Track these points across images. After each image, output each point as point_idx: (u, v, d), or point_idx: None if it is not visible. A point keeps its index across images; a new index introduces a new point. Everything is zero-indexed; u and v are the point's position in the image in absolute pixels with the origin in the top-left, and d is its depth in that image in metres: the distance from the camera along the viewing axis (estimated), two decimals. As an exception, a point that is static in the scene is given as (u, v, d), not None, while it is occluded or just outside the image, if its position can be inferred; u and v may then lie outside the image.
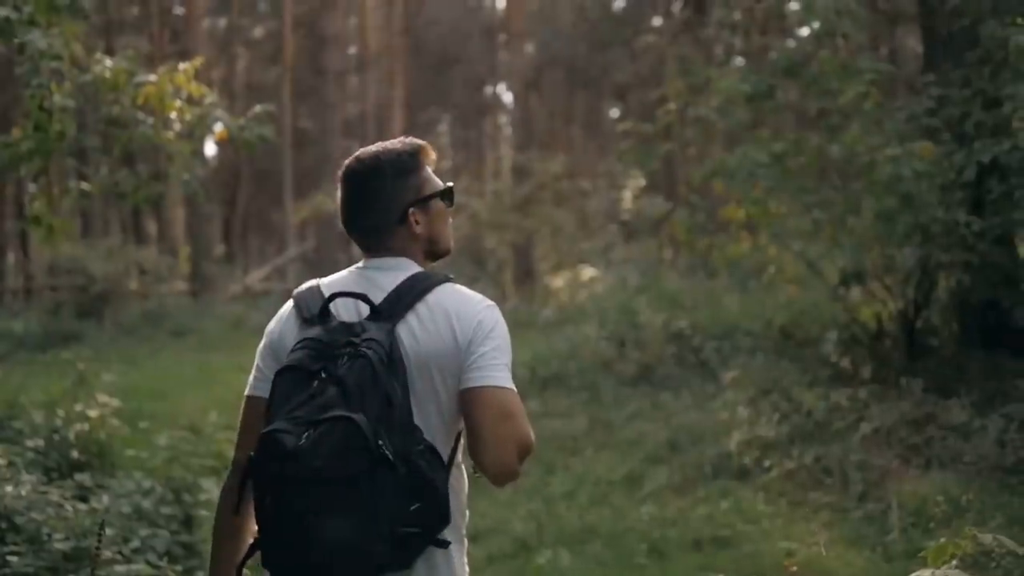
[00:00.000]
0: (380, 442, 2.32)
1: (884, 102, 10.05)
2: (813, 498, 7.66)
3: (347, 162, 2.74)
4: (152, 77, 7.68)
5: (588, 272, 17.84)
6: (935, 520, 6.38)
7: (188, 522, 6.66)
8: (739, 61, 13.60)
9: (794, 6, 10.95)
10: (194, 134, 8.28)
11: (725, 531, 7.26)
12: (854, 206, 9.85)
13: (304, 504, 2.31)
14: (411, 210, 2.68)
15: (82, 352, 13.49)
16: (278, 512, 2.36)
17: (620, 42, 30.17)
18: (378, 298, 2.56)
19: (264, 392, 2.55)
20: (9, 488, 5.60)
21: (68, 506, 5.63)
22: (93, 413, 7.98)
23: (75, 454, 7.55)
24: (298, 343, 2.50)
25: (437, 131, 49.00)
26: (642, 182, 19.40)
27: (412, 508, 2.36)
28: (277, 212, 36.95)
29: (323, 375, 2.40)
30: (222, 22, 40.00)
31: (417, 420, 2.47)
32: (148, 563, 5.47)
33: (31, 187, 8.00)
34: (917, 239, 9.36)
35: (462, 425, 2.58)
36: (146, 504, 6.45)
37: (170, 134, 8.02)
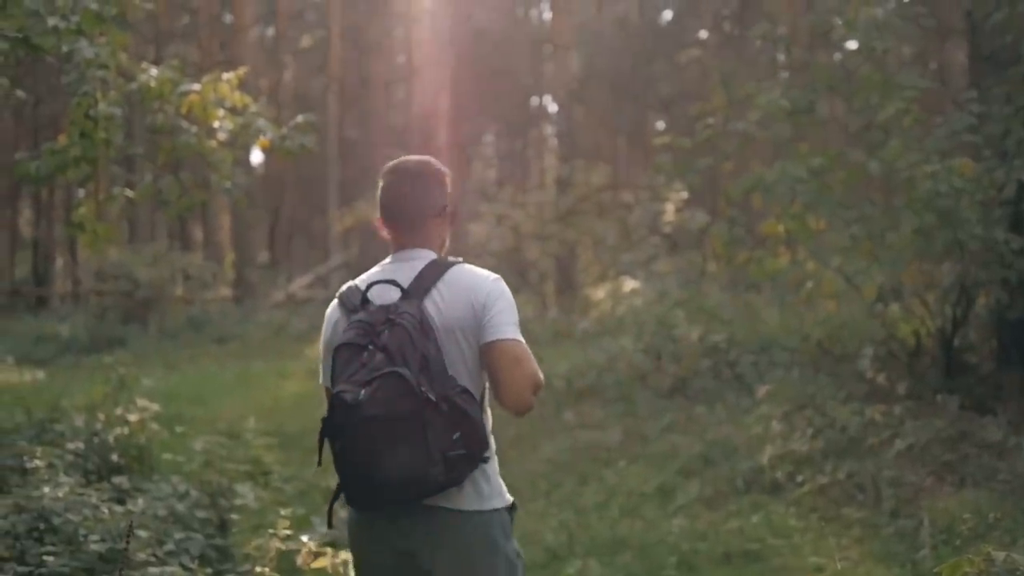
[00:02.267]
0: (423, 388, 2.95)
1: (928, 118, 10.00)
2: (845, 514, 7.64)
3: (395, 162, 3.43)
4: (196, 86, 7.80)
5: (629, 284, 17.79)
6: (962, 538, 6.37)
7: (223, 526, 6.75)
8: (784, 75, 13.59)
9: (839, 20, 10.90)
10: (237, 143, 8.38)
11: (755, 545, 7.26)
12: (893, 222, 9.82)
13: (371, 443, 2.95)
14: (447, 208, 3.40)
15: (125, 357, 13.68)
16: (350, 453, 3.00)
17: (663, 56, 30.13)
18: (406, 282, 3.20)
19: (329, 381, 3.21)
20: (47, 489, 5.71)
21: (105, 508, 5.72)
22: (133, 417, 8.10)
23: (114, 457, 7.66)
24: (349, 325, 3.15)
25: (483, 141, 49.08)
26: (684, 195, 19.34)
27: (455, 437, 2.99)
28: (321, 220, 37.17)
29: (370, 347, 3.03)
30: (270, 31, 40.36)
31: (450, 372, 3.10)
32: (182, 566, 5.56)
33: (80, 193, 8.12)
34: (956, 256, 9.32)
35: (487, 376, 3.22)
36: (181, 507, 6.53)
37: (213, 143, 8.13)
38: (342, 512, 3.47)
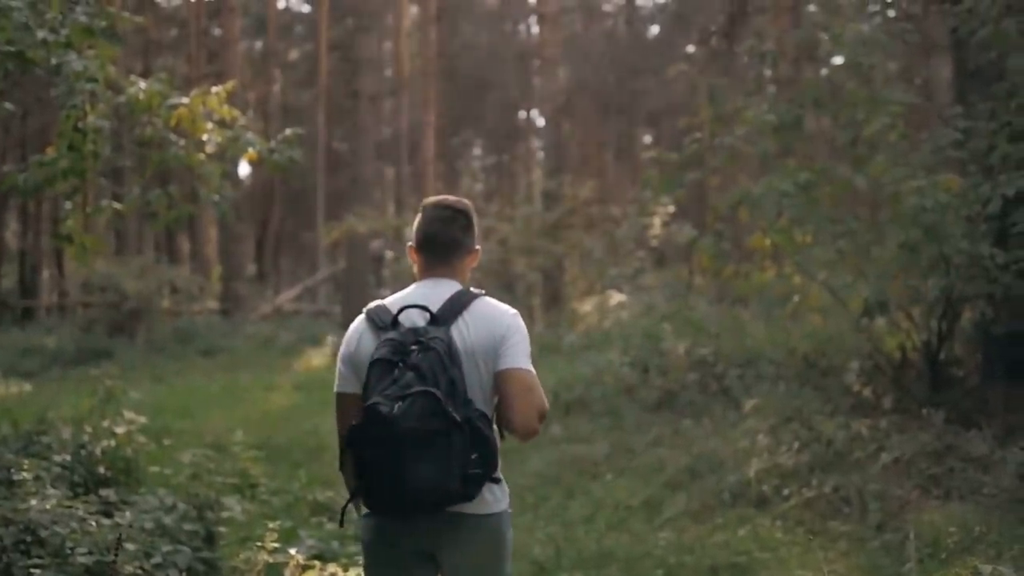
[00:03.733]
0: (450, 409, 3.22)
1: (914, 133, 10.05)
2: (831, 527, 7.65)
3: (438, 198, 3.77)
4: (184, 99, 7.81)
5: (616, 298, 17.81)
6: (948, 551, 6.38)
7: (210, 539, 6.72)
8: (771, 90, 13.63)
9: (826, 36, 10.96)
10: (225, 155, 8.38)
11: (741, 559, 7.26)
12: (878, 237, 9.85)
13: (399, 454, 3.21)
14: (478, 247, 3.76)
15: (112, 369, 13.68)
16: (379, 462, 3.25)
17: (650, 70, 30.22)
18: (435, 308, 3.50)
19: (346, 389, 3.58)
20: (34, 502, 5.69)
21: (92, 521, 5.70)
22: (120, 430, 8.08)
23: (101, 470, 7.64)
24: (381, 343, 3.41)
25: (470, 154, 49.11)
26: (671, 208, 19.36)
27: (473, 456, 3.28)
28: (309, 233, 37.15)
29: (401, 365, 3.29)
30: (258, 44, 40.37)
31: (469, 395, 3.38)
32: (168, 578, 5.56)
33: (67, 205, 8.10)
34: (941, 270, 9.36)
35: (496, 399, 3.50)
36: (169, 520, 6.49)
37: (201, 156, 8.13)
38: (329, 524, 3.55)
